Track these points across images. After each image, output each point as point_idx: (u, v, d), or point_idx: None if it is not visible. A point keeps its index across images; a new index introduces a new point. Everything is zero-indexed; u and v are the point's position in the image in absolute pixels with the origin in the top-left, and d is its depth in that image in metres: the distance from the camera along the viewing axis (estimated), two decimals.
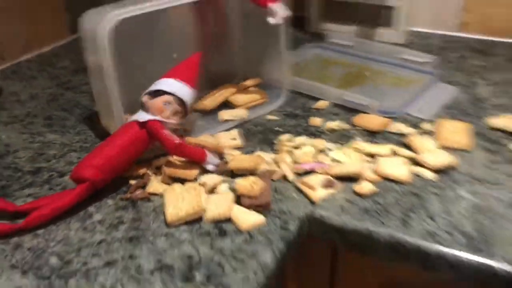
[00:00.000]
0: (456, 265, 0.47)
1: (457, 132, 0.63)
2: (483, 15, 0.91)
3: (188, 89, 0.58)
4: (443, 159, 0.57)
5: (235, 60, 0.76)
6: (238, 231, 0.50)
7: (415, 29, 0.97)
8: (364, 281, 0.58)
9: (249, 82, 0.74)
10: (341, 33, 0.93)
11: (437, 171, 0.57)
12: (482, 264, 0.46)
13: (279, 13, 0.62)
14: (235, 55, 0.76)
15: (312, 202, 0.53)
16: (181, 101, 0.57)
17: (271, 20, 0.63)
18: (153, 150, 0.59)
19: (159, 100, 0.56)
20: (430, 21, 0.96)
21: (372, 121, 0.66)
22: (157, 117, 0.55)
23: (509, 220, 0.50)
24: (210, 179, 0.56)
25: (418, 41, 0.93)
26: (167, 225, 0.51)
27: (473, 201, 0.53)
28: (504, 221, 0.50)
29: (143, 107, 0.57)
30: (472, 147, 0.61)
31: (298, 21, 0.98)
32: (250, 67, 0.75)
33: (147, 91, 0.57)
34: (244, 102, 0.71)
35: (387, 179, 0.56)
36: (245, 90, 0.73)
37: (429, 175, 0.56)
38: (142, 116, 0.56)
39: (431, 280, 0.52)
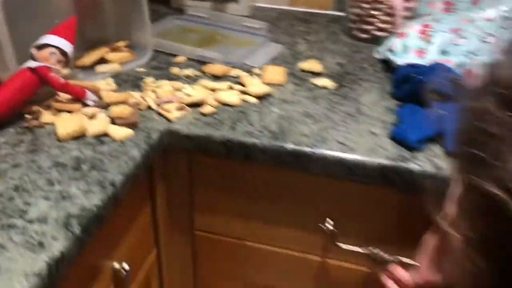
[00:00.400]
0: (265, 150, 0.70)
1: (276, 73, 0.87)
2: None
3: (68, 43, 0.74)
4: (263, 89, 0.81)
5: (107, 26, 0.93)
6: (114, 141, 0.69)
7: (257, 4, 1.21)
8: (212, 178, 0.80)
9: (120, 44, 0.92)
10: (198, 7, 1.14)
11: (259, 97, 0.80)
12: (280, 146, 0.70)
13: None
14: (107, 22, 0.93)
15: (169, 121, 0.74)
16: (63, 52, 0.74)
17: None
18: (43, 94, 0.75)
19: (46, 51, 0.72)
20: None
21: (218, 69, 0.88)
22: (45, 64, 0.72)
23: (300, 123, 0.75)
24: (91, 110, 0.74)
25: (258, 13, 1.17)
26: (59, 140, 0.68)
27: (280, 113, 0.77)
28: (297, 123, 0.74)
29: (32, 58, 0.72)
30: (285, 82, 0.86)
31: None
32: (120, 32, 0.93)
33: (34, 44, 0.73)
34: (117, 59, 0.89)
35: (224, 104, 0.78)
36: (117, 49, 0.91)
37: (252, 100, 0.79)
38: (32, 64, 0.72)
39: (257, 168, 0.75)
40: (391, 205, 0.73)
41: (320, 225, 0.75)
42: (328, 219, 0.75)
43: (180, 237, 0.85)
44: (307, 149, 0.69)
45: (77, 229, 0.54)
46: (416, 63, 0.82)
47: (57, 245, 0.52)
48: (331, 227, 0.75)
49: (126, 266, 0.66)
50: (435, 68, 0.75)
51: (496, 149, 0.29)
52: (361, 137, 0.72)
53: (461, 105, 0.34)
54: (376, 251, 0.75)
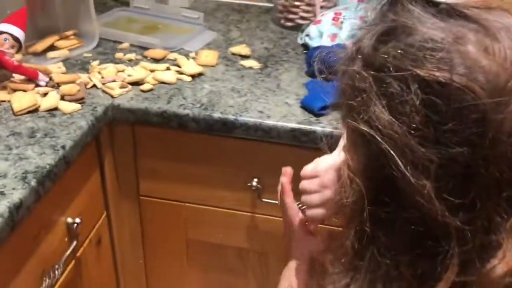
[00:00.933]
0: (197, 120, 0.83)
1: (209, 56, 1.00)
2: None
3: (20, 30, 0.84)
4: (196, 69, 0.93)
5: (57, 16, 1.03)
6: (64, 114, 0.80)
7: None
8: (153, 147, 0.91)
9: (68, 33, 1.02)
10: (143, 0, 1.25)
11: (193, 76, 0.93)
12: (209, 115, 0.82)
13: None
14: (57, 12, 1.03)
15: (112, 97, 0.85)
16: (15, 38, 0.84)
17: None
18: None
19: (0, 37, 0.82)
20: None
21: (157, 53, 1.00)
22: None
23: (227, 97, 0.88)
24: (43, 89, 0.84)
25: (198, 5, 1.29)
26: (15, 114, 0.78)
27: (210, 89, 0.90)
28: (225, 97, 0.87)
29: None
30: (217, 64, 0.98)
31: None
32: (69, 22, 1.03)
33: None
34: (66, 46, 0.99)
35: (161, 82, 0.90)
36: (66, 38, 1.01)
37: (187, 78, 0.92)
38: None
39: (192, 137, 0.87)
40: (308, 161, 0.86)
41: (248, 184, 0.89)
42: (255, 179, 0.89)
43: (127, 202, 0.96)
44: (231, 117, 0.82)
45: (33, 182, 0.65)
46: (325, 45, 0.96)
47: (16, 194, 0.62)
48: (256, 185, 0.88)
49: (77, 220, 0.77)
50: (337, 47, 0.90)
51: (363, 98, 0.41)
52: (277, 107, 0.85)
53: (339, 69, 0.47)
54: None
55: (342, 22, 1.03)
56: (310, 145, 0.82)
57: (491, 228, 0.40)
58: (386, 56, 0.40)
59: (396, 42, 0.40)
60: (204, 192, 0.93)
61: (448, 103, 0.37)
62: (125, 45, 1.03)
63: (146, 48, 1.02)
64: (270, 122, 0.82)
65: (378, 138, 0.40)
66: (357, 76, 0.42)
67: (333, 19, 1.04)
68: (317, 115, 0.82)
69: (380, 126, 0.40)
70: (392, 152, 0.39)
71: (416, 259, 0.42)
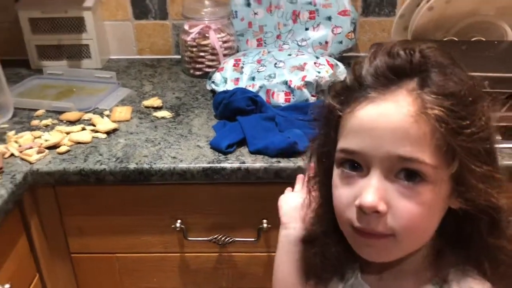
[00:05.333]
0: (113, 173, 0.88)
1: (123, 112, 1.07)
2: (149, 42, 1.39)
3: None
4: (110, 126, 1.00)
5: None
6: None
7: (110, 57, 1.40)
8: (76, 204, 0.95)
9: None
10: (56, 66, 1.30)
11: (108, 133, 0.99)
12: (124, 167, 0.88)
13: None
14: None
15: (31, 163, 0.89)
16: None
17: None
18: None
19: None
20: (118, 50, 1.40)
21: (72, 115, 1.05)
22: None
23: (142, 147, 0.94)
24: None
25: (111, 64, 1.36)
26: None
27: (125, 143, 0.96)
28: (140, 148, 0.94)
29: None
30: (131, 118, 1.05)
31: (23, 62, 1.33)
32: None
33: None
34: None
35: (77, 142, 0.96)
36: None
37: (102, 136, 0.98)
38: None
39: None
40: (224, 196, 0.94)
41: (172, 226, 0.95)
42: (178, 220, 0.95)
43: (59, 261, 0.99)
44: (146, 166, 0.89)
45: None
46: (226, 89, 1.06)
47: None
48: (180, 226, 0.94)
49: (7, 286, 0.80)
50: (237, 91, 1.00)
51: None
52: (189, 150, 0.93)
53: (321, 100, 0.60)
54: (219, 236, 0.95)
55: (242, 67, 1.13)
56: (223, 181, 0.90)
57: None
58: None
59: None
60: (132, 240, 0.98)
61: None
62: (41, 111, 1.08)
63: (61, 112, 1.07)
64: (183, 165, 0.89)
65: None
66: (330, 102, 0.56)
67: (234, 65, 1.14)
68: (225, 153, 0.91)
69: None
70: None
71: None
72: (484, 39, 1.09)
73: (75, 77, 1.25)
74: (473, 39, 1.10)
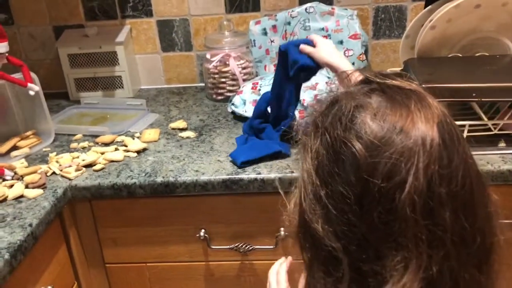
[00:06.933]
0: (143, 186, 0.98)
1: (152, 133, 1.17)
2: (176, 72, 1.50)
3: None
4: (140, 146, 1.10)
5: (16, 121, 1.19)
6: (29, 199, 0.94)
7: (141, 87, 1.53)
8: (110, 216, 1.05)
9: (28, 133, 1.18)
10: (92, 97, 1.43)
11: (138, 152, 1.09)
12: (152, 181, 0.98)
13: (34, 87, 1.09)
14: (15, 117, 1.19)
15: (70, 179, 1.00)
16: None
17: (30, 93, 1.10)
18: None
19: None
20: (148, 80, 1.52)
21: (107, 138, 1.16)
22: None
23: (168, 163, 1.04)
24: (9, 182, 0.98)
25: (141, 93, 1.48)
26: None
27: (153, 160, 1.06)
28: (166, 164, 1.03)
29: None
30: (159, 139, 1.15)
31: (63, 94, 1.47)
32: (27, 124, 1.20)
33: None
34: (26, 145, 1.15)
35: (111, 161, 1.06)
36: (26, 137, 1.17)
37: (133, 155, 1.08)
38: None
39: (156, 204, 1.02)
40: (243, 206, 1.01)
41: (197, 235, 1.03)
42: (202, 230, 1.03)
43: (95, 270, 1.08)
44: (171, 179, 0.98)
45: (6, 255, 0.78)
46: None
47: None
48: (204, 235, 1.02)
49: (49, 287, 0.89)
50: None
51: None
52: (210, 165, 1.02)
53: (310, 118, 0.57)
54: (240, 244, 1.03)
55: (259, 89, 1.23)
56: (241, 192, 0.98)
57: (378, 260, 0.48)
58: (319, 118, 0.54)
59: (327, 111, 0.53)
60: (161, 250, 1.06)
61: (334, 152, 0.50)
62: (79, 136, 1.20)
63: (97, 136, 1.18)
64: (205, 177, 0.98)
65: (302, 175, 0.54)
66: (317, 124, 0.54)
67: (252, 88, 1.24)
68: (240, 167, 0.99)
69: (304, 166, 0.54)
70: (302, 186, 0.53)
71: (324, 279, 0.52)
72: (487, 54, 1.15)
73: (109, 105, 1.37)
74: (476, 55, 1.16)
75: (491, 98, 0.89)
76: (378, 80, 0.53)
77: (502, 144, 0.97)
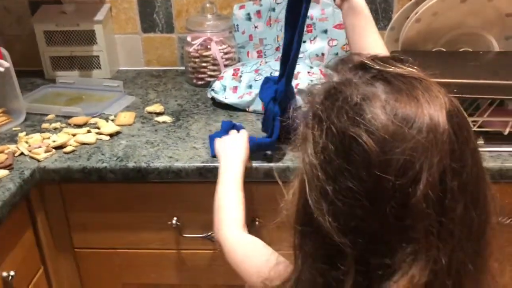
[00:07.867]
0: (114, 171, 0.95)
1: (127, 116, 1.14)
2: (156, 54, 1.47)
3: None
4: (114, 129, 1.07)
5: None
6: None
7: (119, 68, 1.48)
8: (80, 201, 1.02)
9: None
10: (68, 76, 1.39)
11: (111, 135, 1.06)
12: (124, 166, 0.95)
13: (3, 63, 1.05)
14: None
15: (38, 161, 0.97)
16: None
17: (0, 69, 1.05)
18: None
19: None
20: (126, 62, 1.48)
21: (79, 120, 1.13)
22: None
23: (141, 148, 1.01)
24: None
25: (119, 75, 1.44)
26: None
27: (126, 144, 1.03)
28: (139, 149, 1.00)
29: None
30: (134, 123, 1.12)
31: (38, 72, 1.42)
32: None
33: None
34: None
35: (83, 143, 1.03)
36: None
37: (106, 138, 1.05)
38: None
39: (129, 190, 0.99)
40: (212, 195, 0.99)
41: (169, 223, 1.00)
42: (174, 217, 1.00)
43: (63, 255, 1.05)
44: (144, 164, 0.95)
45: None
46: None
47: None
48: (176, 223, 1.00)
49: (12, 273, 0.86)
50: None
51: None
52: (185, 151, 0.99)
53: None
54: (213, 233, 1.00)
55: (240, 76, 1.20)
56: (215, 180, 0.95)
57: (388, 252, 0.47)
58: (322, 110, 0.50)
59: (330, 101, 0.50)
60: (131, 237, 1.03)
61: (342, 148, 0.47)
62: (51, 116, 1.16)
63: (70, 117, 1.15)
64: (179, 164, 0.95)
65: (303, 168, 0.50)
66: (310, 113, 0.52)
67: (233, 74, 1.21)
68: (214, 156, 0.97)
69: (306, 159, 0.50)
70: (305, 180, 0.49)
71: (326, 272, 0.50)
72: (471, 50, 1.14)
73: (85, 85, 1.33)
74: (460, 50, 1.15)
75: (472, 95, 0.88)
76: (377, 67, 0.50)
77: (481, 142, 0.96)
